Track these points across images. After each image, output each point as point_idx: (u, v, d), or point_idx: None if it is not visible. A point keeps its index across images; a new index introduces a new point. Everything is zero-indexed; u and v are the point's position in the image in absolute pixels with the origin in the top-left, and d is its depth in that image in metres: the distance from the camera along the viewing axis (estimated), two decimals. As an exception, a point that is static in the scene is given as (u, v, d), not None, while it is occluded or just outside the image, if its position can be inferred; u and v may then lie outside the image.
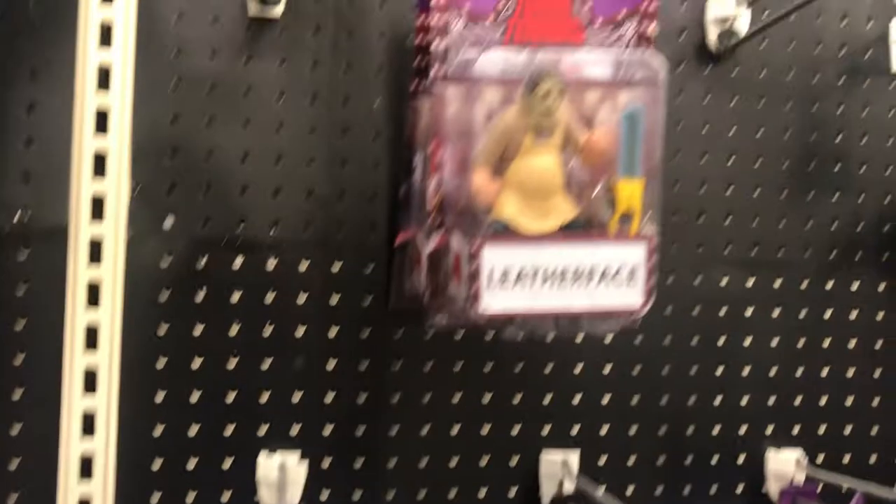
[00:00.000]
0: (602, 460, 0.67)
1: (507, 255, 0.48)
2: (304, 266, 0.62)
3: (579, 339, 0.65)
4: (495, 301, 0.49)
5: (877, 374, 0.72)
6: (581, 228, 0.51)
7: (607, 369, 0.67)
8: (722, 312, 0.69)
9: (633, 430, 0.67)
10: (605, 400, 0.67)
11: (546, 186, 0.50)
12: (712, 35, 0.67)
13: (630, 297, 0.50)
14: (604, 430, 0.67)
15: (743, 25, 0.67)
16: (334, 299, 0.62)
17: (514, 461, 0.65)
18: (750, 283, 0.69)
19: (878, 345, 0.72)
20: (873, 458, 0.72)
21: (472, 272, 0.48)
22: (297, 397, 0.62)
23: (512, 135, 0.50)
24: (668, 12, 0.67)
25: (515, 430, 0.65)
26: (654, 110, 0.51)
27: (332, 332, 0.62)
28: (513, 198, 0.50)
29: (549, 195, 0.50)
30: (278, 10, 0.60)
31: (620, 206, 0.50)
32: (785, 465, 0.69)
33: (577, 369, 0.66)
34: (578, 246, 0.49)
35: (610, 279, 0.50)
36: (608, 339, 0.66)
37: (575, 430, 0.66)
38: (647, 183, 0.50)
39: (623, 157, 0.50)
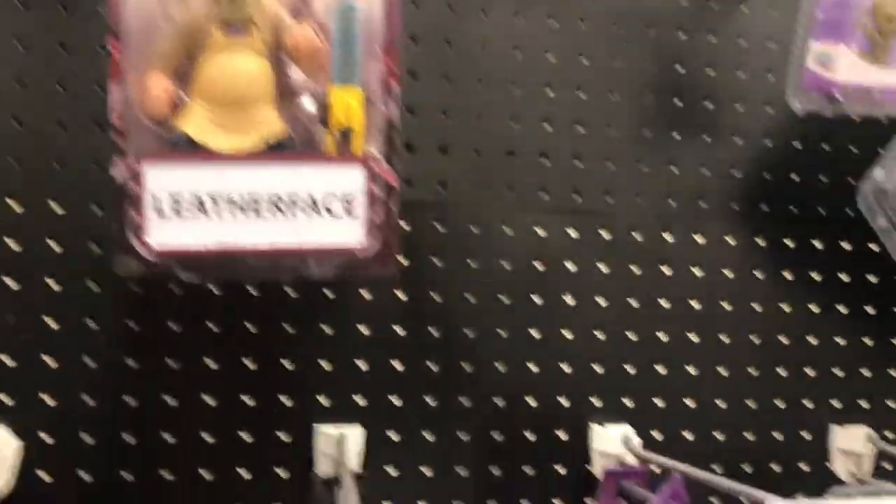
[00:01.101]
0: (395, 437, 0.58)
1: (180, 178, 0.39)
2: (17, 210, 0.52)
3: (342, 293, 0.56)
4: (165, 235, 0.39)
5: (724, 340, 0.63)
6: (292, 147, 0.41)
7: (397, 331, 0.57)
8: (538, 267, 0.60)
9: (431, 403, 0.58)
10: (392, 366, 0.57)
11: (244, 95, 0.41)
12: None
13: (347, 232, 0.41)
14: (396, 402, 0.57)
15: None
16: (55, 248, 0.52)
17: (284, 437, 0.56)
18: (572, 234, 0.60)
19: (726, 307, 0.63)
20: (722, 436, 0.63)
21: (135, 199, 0.38)
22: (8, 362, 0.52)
23: (197, 29, 0.40)
24: None
25: (287, 403, 0.56)
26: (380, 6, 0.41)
27: (53, 287, 0.52)
28: (200, 108, 0.40)
29: (249, 106, 0.41)
30: None
31: (335, 119, 0.40)
32: (611, 442, 0.60)
33: (359, 329, 0.57)
34: (275, 167, 0.40)
35: (320, 210, 0.40)
36: (395, 294, 0.56)
37: (361, 401, 0.57)
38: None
39: (337, 60, 0.40)
